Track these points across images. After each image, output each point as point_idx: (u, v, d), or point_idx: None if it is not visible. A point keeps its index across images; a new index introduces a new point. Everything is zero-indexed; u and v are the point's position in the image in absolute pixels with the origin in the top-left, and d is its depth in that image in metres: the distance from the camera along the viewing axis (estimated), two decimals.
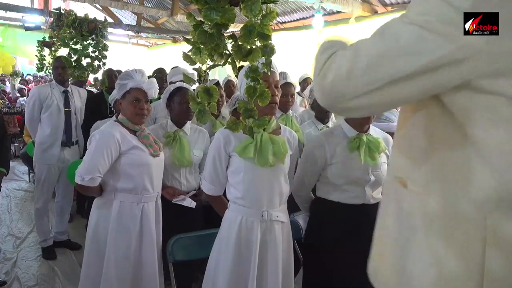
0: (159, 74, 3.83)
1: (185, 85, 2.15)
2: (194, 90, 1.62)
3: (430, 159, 0.76)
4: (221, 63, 1.48)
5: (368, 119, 1.70)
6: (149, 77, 2.05)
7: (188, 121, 2.25)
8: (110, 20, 7.34)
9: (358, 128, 1.72)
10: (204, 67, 1.49)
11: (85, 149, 3.00)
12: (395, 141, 0.90)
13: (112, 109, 2.76)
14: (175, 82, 2.84)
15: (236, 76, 1.66)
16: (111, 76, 3.83)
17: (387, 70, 0.68)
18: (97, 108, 3.47)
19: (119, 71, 3.99)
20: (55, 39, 4.38)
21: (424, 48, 0.65)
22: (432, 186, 0.76)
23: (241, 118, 1.55)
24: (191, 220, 2.12)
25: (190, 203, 2.04)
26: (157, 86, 1.97)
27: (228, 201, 1.68)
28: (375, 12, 5.53)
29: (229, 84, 3.45)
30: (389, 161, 0.94)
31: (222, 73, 5.53)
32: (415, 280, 0.76)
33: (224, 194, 1.72)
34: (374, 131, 1.79)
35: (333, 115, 2.81)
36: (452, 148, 0.73)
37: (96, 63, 3.81)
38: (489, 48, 0.64)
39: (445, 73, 0.66)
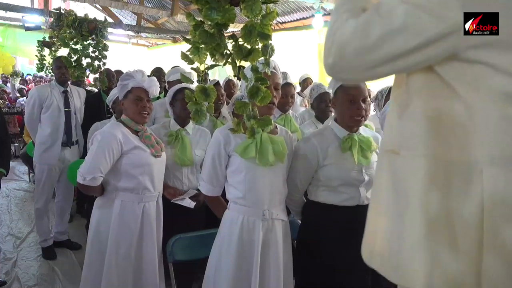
0: (157, 74, 3.83)
1: (188, 85, 2.15)
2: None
3: (426, 120, 0.79)
4: (222, 63, 1.48)
5: (359, 121, 1.66)
6: (148, 77, 2.06)
7: (191, 121, 2.26)
8: (110, 20, 7.33)
9: (348, 128, 1.69)
10: (202, 67, 1.50)
11: (85, 149, 3.03)
12: (388, 114, 0.93)
13: (110, 109, 2.77)
14: (173, 81, 2.85)
15: (236, 76, 1.66)
16: (109, 76, 3.83)
17: (388, 50, 0.74)
18: (95, 109, 3.47)
19: (119, 71, 3.99)
20: (55, 39, 4.38)
21: (419, 28, 0.71)
22: (428, 147, 0.78)
23: (244, 118, 1.55)
24: (193, 220, 2.12)
25: (189, 203, 2.04)
26: (157, 84, 1.98)
27: (226, 202, 1.68)
28: None
29: (229, 84, 3.44)
30: (381, 140, 0.97)
31: (222, 73, 5.54)
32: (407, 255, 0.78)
33: (222, 195, 1.72)
34: (364, 130, 1.76)
35: (333, 115, 2.82)
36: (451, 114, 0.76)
37: (96, 63, 3.82)
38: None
39: (437, 47, 0.72)
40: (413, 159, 0.80)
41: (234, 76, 1.54)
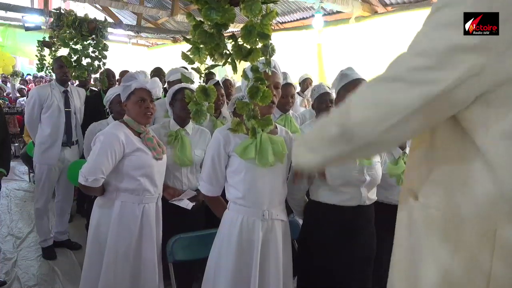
0: (156, 73, 3.83)
1: (188, 85, 2.15)
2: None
3: (437, 172, 0.78)
4: (221, 63, 1.48)
5: None
6: None
7: (190, 121, 2.26)
8: (110, 20, 7.33)
9: None
10: (202, 67, 1.50)
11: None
12: (409, 155, 0.92)
13: (107, 110, 2.77)
14: (173, 81, 2.85)
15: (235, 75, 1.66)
16: (109, 76, 3.83)
17: (405, 103, 0.70)
18: (95, 109, 3.47)
19: (126, 72, 3.99)
20: (55, 39, 4.39)
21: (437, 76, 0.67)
22: (436, 196, 0.78)
23: (244, 118, 1.55)
24: (193, 220, 2.12)
25: (186, 204, 2.04)
26: (160, 85, 1.99)
27: (226, 201, 1.68)
28: (375, 12, 5.53)
29: (226, 83, 3.42)
30: (404, 173, 0.95)
31: (222, 73, 5.54)
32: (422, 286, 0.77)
33: (222, 195, 1.72)
34: None
35: None
36: (457, 160, 0.75)
37: (96, 63, 3.82)
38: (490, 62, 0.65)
39: (460, 94, 0.67)
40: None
41: (239, 74, 1.54)
